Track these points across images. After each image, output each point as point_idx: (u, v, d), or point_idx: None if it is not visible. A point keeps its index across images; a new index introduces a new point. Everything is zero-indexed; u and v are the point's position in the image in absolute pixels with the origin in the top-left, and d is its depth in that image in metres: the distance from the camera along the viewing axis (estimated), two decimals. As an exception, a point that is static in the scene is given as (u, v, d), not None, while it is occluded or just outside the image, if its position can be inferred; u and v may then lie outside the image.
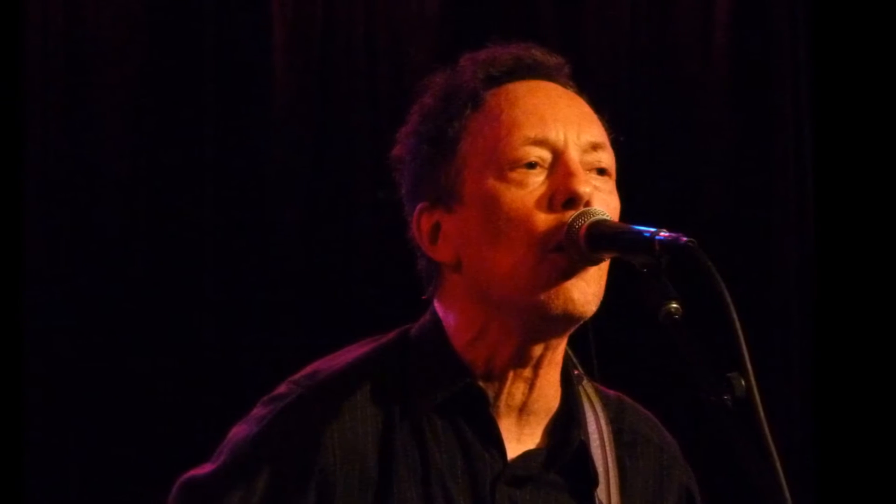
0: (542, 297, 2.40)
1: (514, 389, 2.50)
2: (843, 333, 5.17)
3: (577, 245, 2.38)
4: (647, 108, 5.26)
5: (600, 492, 2.55)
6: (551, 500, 2.52)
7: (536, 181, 2.44)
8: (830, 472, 5.16)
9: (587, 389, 2.59)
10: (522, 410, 2.52)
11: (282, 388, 2.52)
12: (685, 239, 2.26)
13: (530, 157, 2.45)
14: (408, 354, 2.53)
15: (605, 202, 2.44)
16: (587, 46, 5.24)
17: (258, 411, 2.51)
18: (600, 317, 2.46)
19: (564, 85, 2.55)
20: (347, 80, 5.13)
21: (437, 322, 2.52)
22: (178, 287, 4.98)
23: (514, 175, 2.44)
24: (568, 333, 2.50)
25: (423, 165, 2.53)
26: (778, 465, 2.12)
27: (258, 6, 5.09)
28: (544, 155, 2.45)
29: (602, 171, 2.49)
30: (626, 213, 2.49)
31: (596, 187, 2.44)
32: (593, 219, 2.39)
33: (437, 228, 2.51)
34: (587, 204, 2.41)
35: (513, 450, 2.51)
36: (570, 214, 2.40)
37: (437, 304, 2.54)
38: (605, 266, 2.44)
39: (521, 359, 2.48)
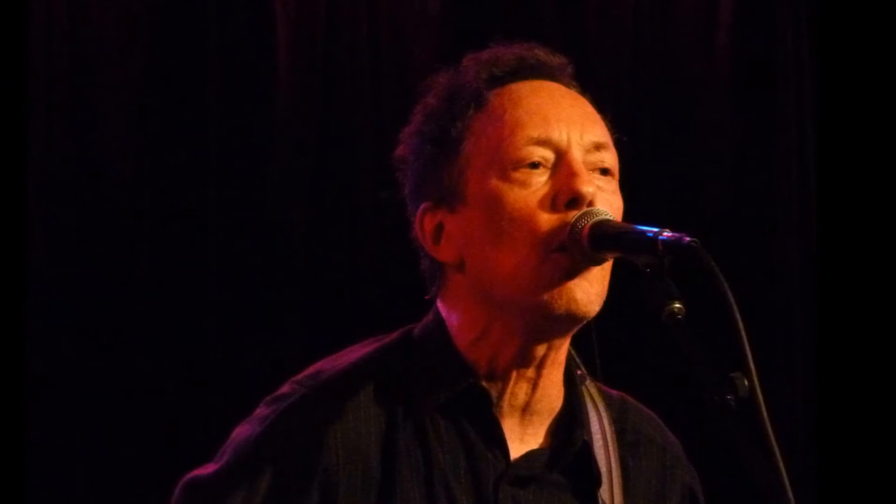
0: (545, 297, 2.40)
1: (518, 389, 2.50)
2: (846, 333, 5.16)
3: (580, 245, 2.38)
4: (649, 108, 5.26)
5: (603, 492, 2.55)
6: (554, 500, 2.52)
7: (539, 181, 2.44)
8: (833, 471, 5.15)
9: (590, 389, 2.59)
10: (525, 410, 2.52)
11: (285, 388, 2.52)
12: (688, 239, 2.26)
13: (533, 157, 2.45)
14: (411, 354, 2.52)
15: (608, 202, 2.44)
16: (590, 46, 5.23)
17: (261, 411, 2.51)
18: (603, 317, 2.46)
19: (567, 85, 2.55)
20: (351, 80, 5.13)
21: (440, 322, 2.52)
22: (182, 287, 4.97)
23: (518, 175, 2.44)
24: (571, 333, 2.49)
25: (426, 165, 2.53)
26: (781, 465, 2.12)
27: (261, 6, 5.08)
28: (547, 155, 2.45)
29: (605, 171, 2.49)
30: (628, 213, 2.49)
31: (599, 187, 2.44)
32: (596, 219, 2.39)
33: (440, 228, 2.51)
34: (590, 204, 2.41)
35: (516, 450, 2.51)
36: (573, 214, 2.40)
37: (440, 304, 2.54)
38: (608, 266, 2.44)
39: (524, 359, 2.48)
